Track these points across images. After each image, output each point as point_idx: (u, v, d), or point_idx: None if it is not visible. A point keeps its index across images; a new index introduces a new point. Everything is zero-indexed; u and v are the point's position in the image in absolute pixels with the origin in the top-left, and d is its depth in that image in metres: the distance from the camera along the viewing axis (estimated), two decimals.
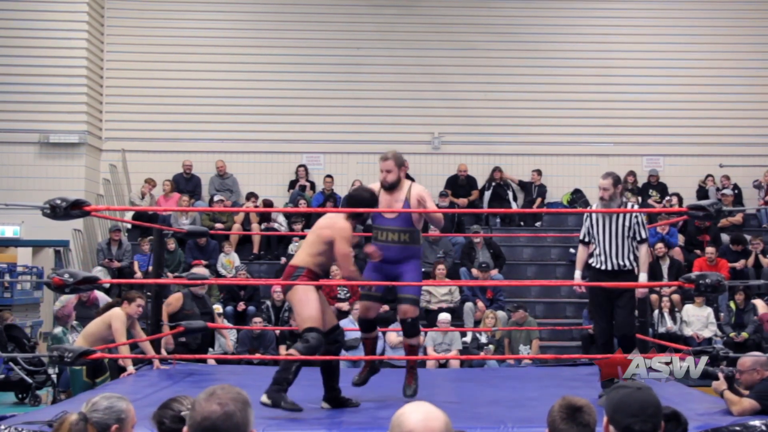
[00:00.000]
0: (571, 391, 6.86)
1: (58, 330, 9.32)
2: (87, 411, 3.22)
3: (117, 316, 7.39)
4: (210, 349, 9.97)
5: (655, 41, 14.94)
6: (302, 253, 5.94)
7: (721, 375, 5.56)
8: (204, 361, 8.53)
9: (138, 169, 14.24)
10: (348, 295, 11.55)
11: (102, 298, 10.10)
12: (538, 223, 14.30)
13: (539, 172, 14.48)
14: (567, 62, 14.81)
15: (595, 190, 14.75)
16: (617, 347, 6.13)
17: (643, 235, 6.50)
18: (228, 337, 10.18)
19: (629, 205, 6.77)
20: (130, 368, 7.60)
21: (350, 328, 10.48)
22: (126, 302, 7.59)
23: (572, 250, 13.37)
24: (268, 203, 13.46)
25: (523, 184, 14.58)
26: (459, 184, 14.24)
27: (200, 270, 9.67)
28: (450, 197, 13.69)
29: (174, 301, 8.75)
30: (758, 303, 5.62)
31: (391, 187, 6.12)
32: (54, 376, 9.84)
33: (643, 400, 2.65)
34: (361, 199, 5.94)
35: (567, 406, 2.71)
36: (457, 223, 13.15)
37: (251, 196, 13.67)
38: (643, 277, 6.46)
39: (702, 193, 14.19)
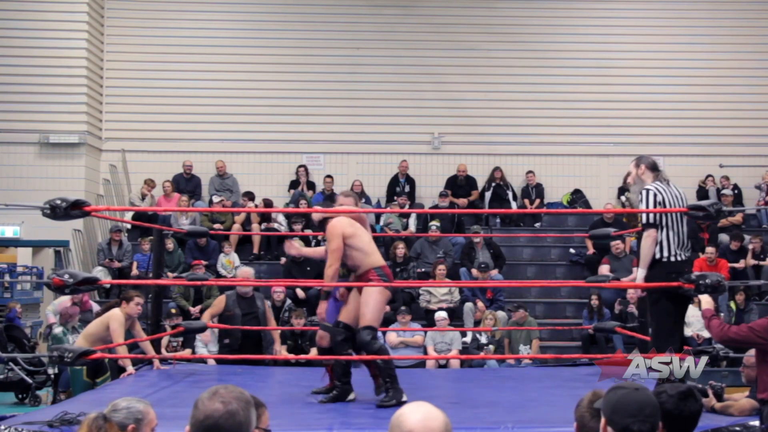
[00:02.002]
0: (571, 391, 6.86)
1: (59, 330, 9.33)
2: (108, 412, 3.38)
3: (115, 317, 7.38)
4: (205, 350, 9.98)
5: (655, 41, 14.93)
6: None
7: (710, 391, 5.55)
8: (204, 361, 8.53)
9: (138, 170, 14.23)
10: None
11: (96, 307, 10.20)
12: (537, 224, 14.30)
13: (533, 173, 14.48)
14: (567, 62, 14.80)
15: (595, 190, 14.94)
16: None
17: (650, 219, 5.78)
18: (278, 340, 9.85)
19: (645, 192, 5.84)
20: (130, 368, 7.60)
21: None
22: (124, 302, 7.58)
23: (572, 250, 13.40)
24: (268, 203, 13.47)
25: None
26: (458, 185, 14.24)
27: (245, 270, 9.76)
28: (450, 197, 13.70)
29: (217, 303, 8.84)
30: (703, 299, 5.40)
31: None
32: (53, 376, 9.85)
33: (641, 400, 2.65)
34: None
35: (594, 401, 2.78)
36: (457, 224, 13.16)
37: (247, 195, 13.59)
38: (639, 274, 5.85)
39: (702, 193, 14.18)
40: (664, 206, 5.78)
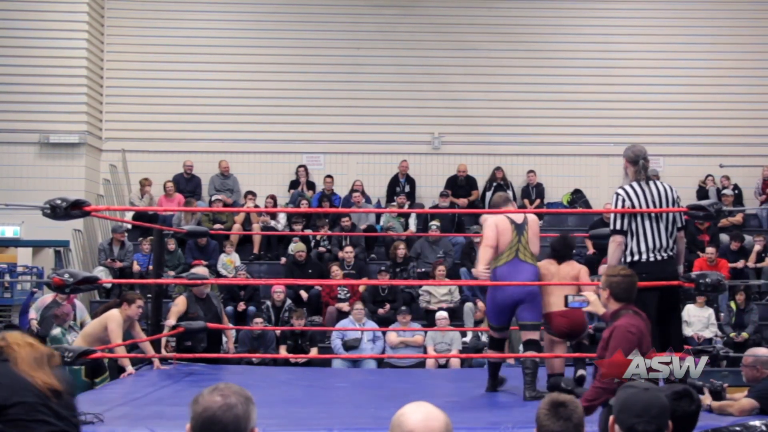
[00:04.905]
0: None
1: (57, 331, 9.33)
2: None
3: (113, 318, 7.37)
4: None
5: (655, 41, 14.93)
6: None
7: (706, 390, 5.53)
8: (204, 360, 8.50)
9: (138, 169, 14.23)
10: (348, 295, 11.55)
11: (80, 308, 10.19)
12: (540, 224, 14.24)
13: (534, 173, 14.48)
14: (567, 62, 14.80)
15: (595, 190, 14.92)
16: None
17: (616, 226, 5.74)
18: (231, 338, 10.02)
19: (614, 196, 5.82)
20: (129, 368, 7.59)
21: (350, 328, 10.51)
22: (126, 303, 7.58)
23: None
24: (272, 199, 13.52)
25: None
26: (459, 184, 14.24)
27: (200, 270, 9.63)
28: (450, 197, 13.70)
29: (179, 303, 8.71)
30: (590, 298, 5.31)
31: None
32: None
33: (648, 400, 2.66)
34: None
35: (550, 402, 2.80)
36: (457, 224, 13.16)
37: (249, 194, 13.62)
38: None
39: (702, 193, 14.18)
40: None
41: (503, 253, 6.54)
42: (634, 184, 5.77)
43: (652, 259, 5.70)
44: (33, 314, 10.45)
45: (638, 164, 5.79)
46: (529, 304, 6.50)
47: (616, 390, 4.36)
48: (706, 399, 5.52)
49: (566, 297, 6.68)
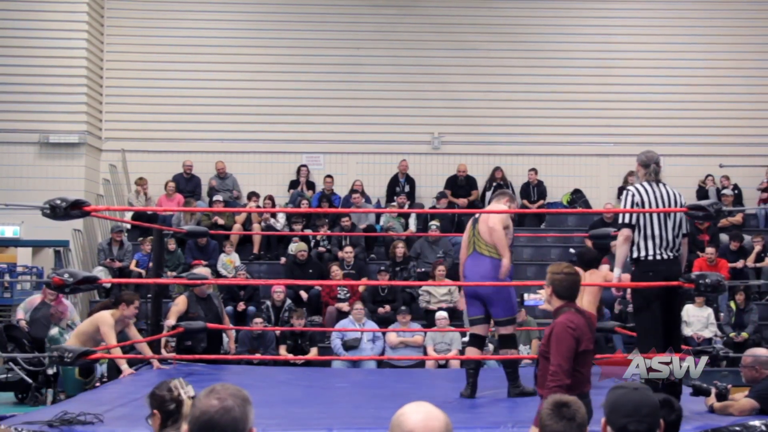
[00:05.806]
0: None
1: (55, 331, 9.35)
2: None
3: (104, 321, 7.35)
4: None
5: (655, 41, 14.94)
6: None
7: (713, 390, 5.54)
8: (203, 361, 8.51)
9: (138, 169, 14.23)
10: (348, 295, 11.55)
11: (69, 309, 10.21)
12: (543, 224, 14.30)
13: (535, 171, 14.48)
14: (567, 62, 14.80)
15: (595, 190, 14.92)
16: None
17: (624, 219, 5.83)
18: (232, 338, 10.01)
19: (624, 193, 5.97)
20: (126, 369, 7.58)
21: (350, 328, 10.51)
22: (124, 304, 7.57)
23: (572, 250, 13.37)
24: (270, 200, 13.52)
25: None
26: (459, 184, 14.24)
27: (202, 270, 9.64)
28: (449, 197, 13.69)
29: (180, 303, 8.71)
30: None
31: None
32: (53, 376, 9.84)
33: (639, 400, 2.67)
34: None
35: (553, 402, 2.80)
36: (457, 223, 13.16)
37: (252, 195, 13.65)
38: (615, 273, 5.98)
39: (702, 193, 14.18)
40: (642, 207, 5.80)
41: (467, 247, 6.70)
42: (645, 183, 5.92)
43: (659, 257, 5.76)
44: (21, 314, 10.46)
45: (649, 167, 5.96)
46: (495, 300, 6.57)
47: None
48: (711, 399, 5.54)
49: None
